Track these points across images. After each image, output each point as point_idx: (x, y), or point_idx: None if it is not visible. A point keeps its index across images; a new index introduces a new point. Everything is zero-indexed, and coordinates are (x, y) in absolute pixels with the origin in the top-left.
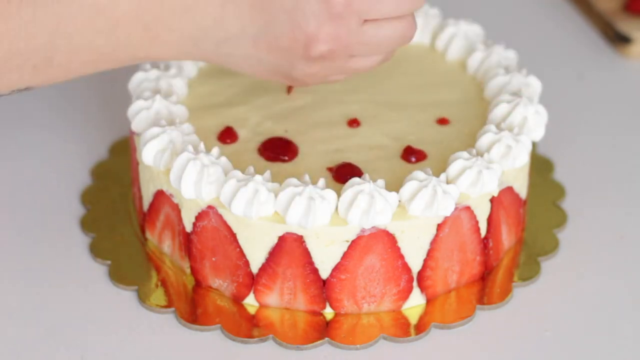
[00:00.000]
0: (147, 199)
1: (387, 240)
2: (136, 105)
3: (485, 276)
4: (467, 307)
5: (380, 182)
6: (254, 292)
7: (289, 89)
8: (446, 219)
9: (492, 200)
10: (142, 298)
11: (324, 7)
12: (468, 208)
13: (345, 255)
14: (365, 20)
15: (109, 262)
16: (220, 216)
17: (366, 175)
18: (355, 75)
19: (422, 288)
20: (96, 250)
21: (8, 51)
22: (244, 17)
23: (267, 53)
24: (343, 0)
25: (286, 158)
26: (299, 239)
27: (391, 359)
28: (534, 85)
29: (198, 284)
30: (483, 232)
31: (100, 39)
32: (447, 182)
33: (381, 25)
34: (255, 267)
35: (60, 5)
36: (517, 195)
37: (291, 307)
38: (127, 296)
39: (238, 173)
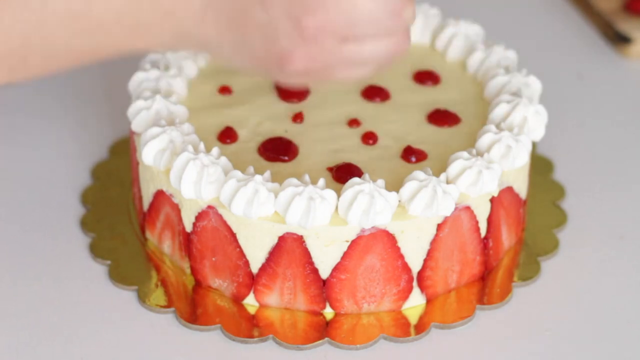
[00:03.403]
0: (147, 199)
1: (387, 240)
2: (136, 105)
3: (485, 276)
4: (467, 307)
5: (380, 182)
6: (254, 292)
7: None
8: (446, 219)
9: (492, 200)
10: (142, 298)
11: (295, 30)
12: (468, 208)
13: (345, 255)
14: (347, 38)
15: (109, 262)
16: (220, 216)
17: (366, 175)
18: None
19: (422, 288)
20: (96, 250)
21: None
22: (221, 26)
23: (248, 61)
24: (314, 23)
25: (286, 158)
26: (299, 239)
27: (391, 359)
28: (534, 85)
29: (198, 284)
30: (483, 232)
31: (79, 40)
32: (447, 182)
33: (364, 43)
34: (255, 267)
35: (30, 13)
36: (517, 195)
37: (291, 307)
38: (127, 296)
39: (238, 173)
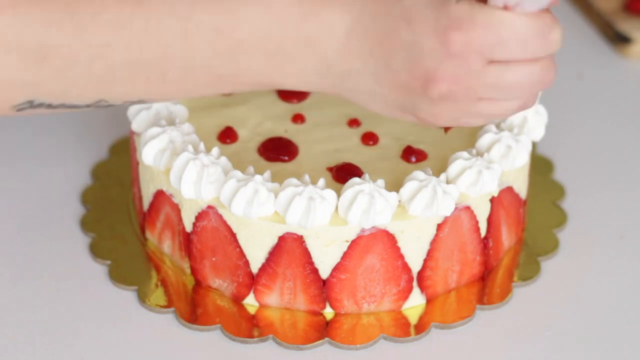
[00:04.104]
0: (147, 199)
1: (387, 240)
2: (136, 105)
3: (485, 276)
4: (467, 307)
5: (380, 182)
6: (254, 292)
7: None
8: (446, 219)
9: (492, 200)
10: (142, 298)
11: (442, 45)
12: (468, 208)
13: (345, 255)
14: (492, 61)
15: (109, 262)
16: (220, 216)
17: (366, 175)
18: None
19: (422, 288)
20: (96, 250)
21: (119, 61)
22: (364, 52)
23: (389, 90)
24: (461, 38)
25: (286, 158)
26: (299, 239)
27: (391, 359)
28: None
29: (198, 284)
30: (483, 232)
31: (219, 60)
32: (447, 182)
33: (509, 67)
34: (255, 267)
35: (175, 21)
36: (517, 195)
37: (291, 307)
38: (127, 296)
39: (238, 173)
